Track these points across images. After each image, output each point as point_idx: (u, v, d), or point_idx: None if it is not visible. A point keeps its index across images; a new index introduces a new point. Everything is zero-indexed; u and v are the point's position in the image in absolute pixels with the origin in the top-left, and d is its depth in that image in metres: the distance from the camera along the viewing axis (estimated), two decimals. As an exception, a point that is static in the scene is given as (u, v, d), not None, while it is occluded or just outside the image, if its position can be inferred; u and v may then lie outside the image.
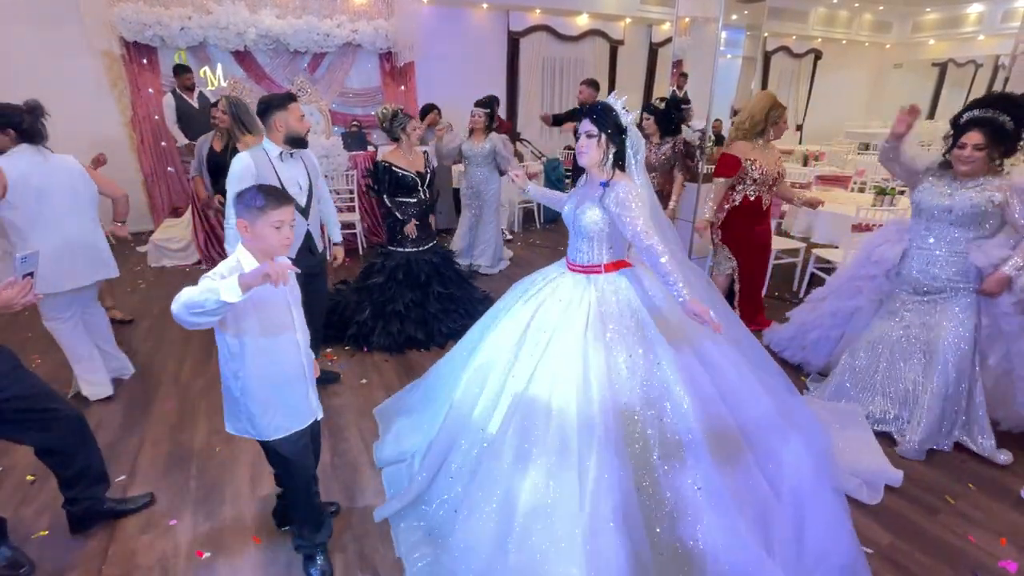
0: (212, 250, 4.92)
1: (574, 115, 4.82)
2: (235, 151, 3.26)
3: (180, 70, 5.11)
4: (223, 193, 3.78)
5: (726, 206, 3.36)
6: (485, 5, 7.04)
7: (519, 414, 1.73)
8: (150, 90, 5.50)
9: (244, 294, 1.29)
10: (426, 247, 3.51)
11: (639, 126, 3.92)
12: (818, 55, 10.23)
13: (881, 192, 4.05)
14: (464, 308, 3.57)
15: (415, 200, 3.36)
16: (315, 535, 1.77)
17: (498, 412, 1.80)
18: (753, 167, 3.19)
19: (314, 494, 1.77)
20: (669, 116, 3.79)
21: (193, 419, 2.64)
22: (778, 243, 4.07)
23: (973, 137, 2.16)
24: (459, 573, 1.63)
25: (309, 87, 5.69)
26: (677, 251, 1.92)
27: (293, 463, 1.65)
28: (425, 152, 3.59)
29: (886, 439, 2.42)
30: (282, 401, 1.59)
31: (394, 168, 3.26)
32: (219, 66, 5.68)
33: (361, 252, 5.29)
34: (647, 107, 3.85)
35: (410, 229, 3.36)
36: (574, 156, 4.56)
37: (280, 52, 5.94)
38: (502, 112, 5.53)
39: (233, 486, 2.19)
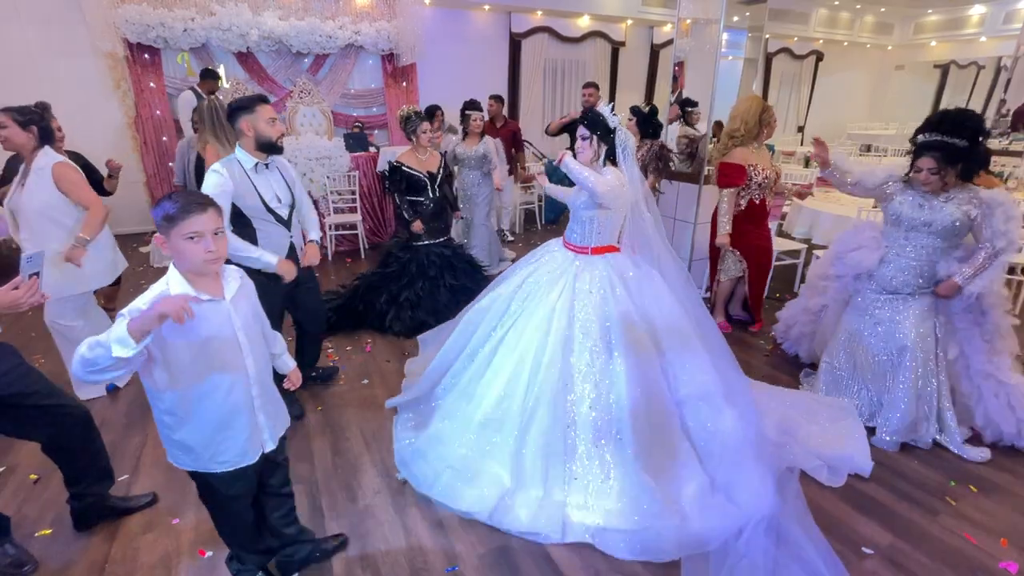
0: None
1: (570, 126, 4.87)
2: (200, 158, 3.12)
3: (207, 74, 5.16)
4: None
5: (732, 212, 3.39)
6: (487, 7, 7.06)
7: (500, 351, 2.24)
8: (151, 85, 5.51)
9: (140, 343, 1.13)
10: (440, 240, 3.69)
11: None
12: (820, 57, 10.23)
13: (883, 193, 4.05)
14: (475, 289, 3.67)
15: (423, 199, 3.53)
16: (244, 565, 1.67)
17: (485, 348, 2.31)
18: (755, 172, 3.24)
19: (242, 533, 1.61)
20: (648, 120, 3.86)
21: (195, 419, 2.65)
22: (779, 244, 4.07)
23: (926, 162, 2.28)
24: (428, 454, 2.23)
25: (311, 88, 5.71)
26: (658, 240, 2.30)
27: (222, 501, 1.51)
28: (443, 154, 3.76)
29: (908, 448, 2.43)
30: (226, 434, 1.40)
31: (403, 167, 3.47)
32: (221, 67, 5.70)
33: (363, 254, 5.30)
34: (633, 108, 3.90)
35: (417, 227, 3.51)
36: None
37: (282, 53, 5.96)
38: (505, 113, 5.53)
39: (235, 485, 2.20)
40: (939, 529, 1.98)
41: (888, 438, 2.41)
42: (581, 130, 2.18)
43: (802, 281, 4.26)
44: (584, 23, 7.80)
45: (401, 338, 3.49)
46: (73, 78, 5.29)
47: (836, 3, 9.21)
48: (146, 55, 5.41)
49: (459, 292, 3.64)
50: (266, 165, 2.30)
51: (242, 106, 2.18)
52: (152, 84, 5.51)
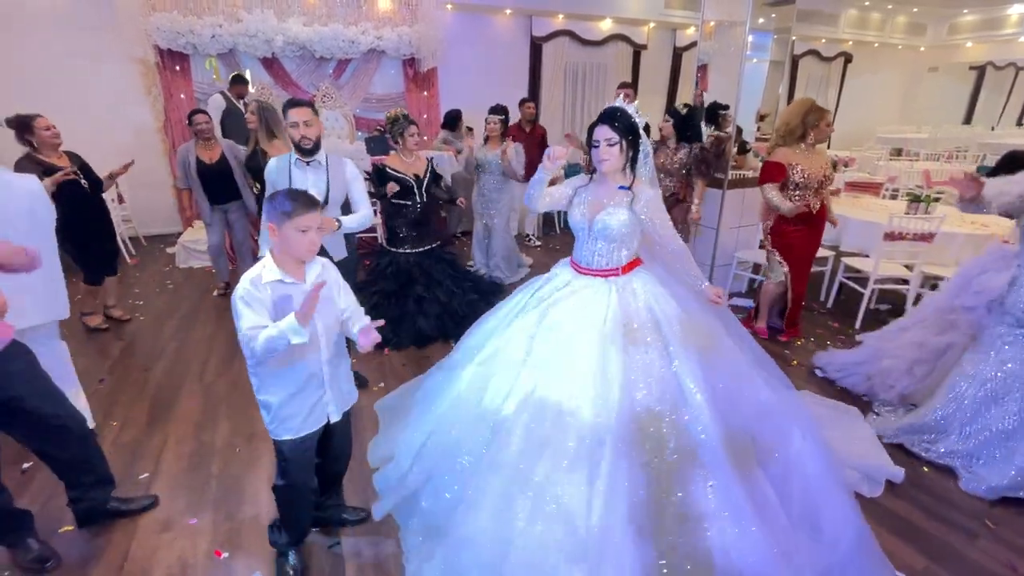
0: (237, 253, 5.04)
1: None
2: (262, 154, 3.39)
3: (238, 80, 5.29)
4: (213, 199, 3.90)
5: (775, 213, 3.34)
6: (508, 11, 7.06)
7: (528, 412, 1.72)
8: (182, 96, 5.66)
9: (307, 327, 1.40)
10: (423, 249, 3.62)
11: (659, 128, 3.90)
12: (848, 58, 9.97)
13: (915, 199, 3.90)
14: (450, 312, 3.59)
15: (409, 202, 3.47)
16: (287, 537, 1.82)
17: (507, 407, 1.77)
18: (794, 171, 3.16)
19: (303, 506, 1.78)
20: (686, 122, 3.78)
21: (215, 418, 2.68)
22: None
23: None
24: (461, 567, 1.62)
25: (334, 93, 5.79)
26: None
27: (290, 464, 1.67)
28: (430, 159, 3.69)
29: (944, 471, 2.29)
30: (295, 406, 1.61)
31: (387, 169, 3.40)
32: (248, 72, 5.82)
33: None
34: (670, 111, 3.81)
35: (390, 188, 3.35)
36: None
37: (306, 59, 6.05)
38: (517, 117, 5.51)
39: (252, 487, 2.21)
40: (978, 553, 1.88)
41: (988, 488, 2.13)
42: (606, 132, 1.82)
43: (830, 291, 4.15)
44: (606, 26, 7.75)
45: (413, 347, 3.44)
46: (106, 83, 5.45)
47: (866, 3, 8.97)
48: (176, 61, 5.55)
49: (430, 304, 3.55)
50: (307, 163, 2.44)
51: (292, 104, 2.40)
52: (182, 92, 5.65)
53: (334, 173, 2.51)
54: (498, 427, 1.75)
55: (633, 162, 1.89)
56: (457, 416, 1.91)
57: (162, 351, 3.40)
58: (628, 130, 1.83)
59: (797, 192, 3.20)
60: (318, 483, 1.85)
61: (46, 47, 5.20)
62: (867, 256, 3.99)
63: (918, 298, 3.93)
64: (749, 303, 4.14)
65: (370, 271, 3.68)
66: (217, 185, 3.87)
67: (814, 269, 4.19)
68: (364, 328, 1.65)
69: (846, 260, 4.00)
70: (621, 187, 1.89)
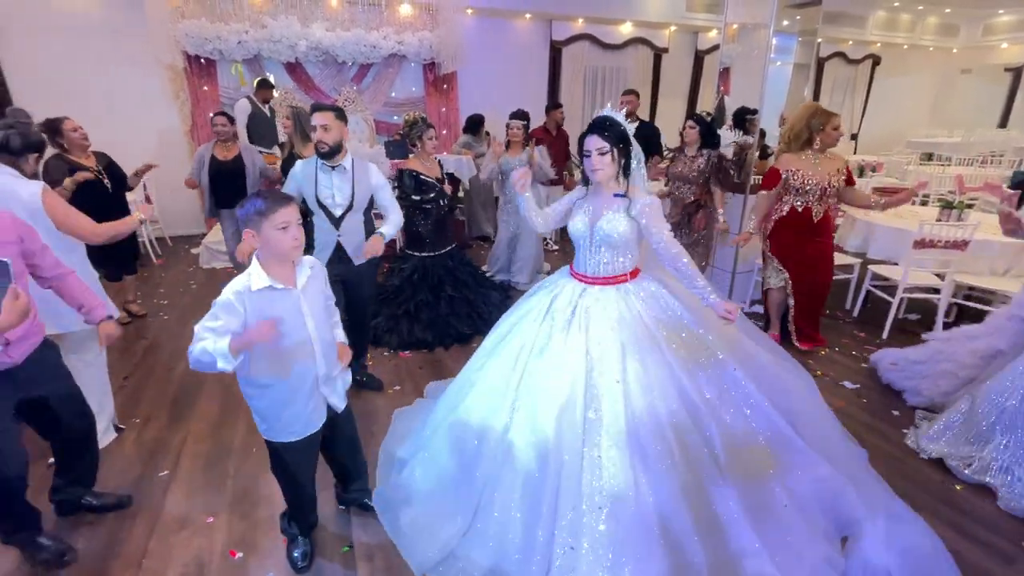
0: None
1: None
2: (296, 159, 3.45)
3: (263, 85, 5.40)
4: (222, 199, 3.88)
5: (773, 217, 3.32)
6: (528, 15, 7.08)
7: (567, 426, 1.72)
8: (209, 100, 5.79)
9: (237, 358, 1.39)
10: (444, 251, 3.65)
11: (680, 134, 3.84)
12: (876, 61, 9.72)
13: (947, 206, 3.77)
14: (477, 311, 3.63)
15: (433, 206, 3.52)
16: (296, 526, 1.87)
17: (544, 430, 1.74)
18: (794, 177, 3.12)
19: (307, 498, 1.83)
20: (712, 129, 3.73)
21: (234, 418, 2.71)
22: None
23: None
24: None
25: (355, 97, 5.86)
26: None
27: (284, 463, 1.70)
28: (439, 161, 3.75)
29: (983, 491, 2.19)
30: (293, 411, 1.61)
31: (414, 173, 3.46)
32: (271, 77, 5.93)
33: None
34: (695, 117, 3.75)
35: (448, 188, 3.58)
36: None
37: (329, 63, 6.15)
38: (541, 120, 5.50)
39: (267, 487, 2.22)
40: (1014, 578, 1.79)
41: None
42: (596, 141, 1.82)
43: (857, 299, 4.03)
44: (626, 30, 7.70)
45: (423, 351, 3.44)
46: (136, 88, 5.61)
47: (896, 4, 8.74)
48: (203, 66, 5.69)
49: (461, 304, 3.60)
50: (332, 167, 2.47)
51: (314, 108, 2.44)
52: (209, 97, 5.79)
53: (359, 177, 2.54)
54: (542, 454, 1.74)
55: (626, 169, 1.90)
56: (492, 457, 1.84)
57: (184, 350, 3.45)
58: (619, 138, 1.84)
59: (800, 199, 3.15)
60: (338, 477, 1.92)
61: (81, 53, 5.38)
62: (895, 264, 3.87)
63: (950, 308, 3.80)
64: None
65: (395, 276, 3.72)
66: (227, 185, 3.82)
67: (839, 277, 4.08)
68: (339, 344, 1.73)
69: (873, 268, 3.89)
70: (616, 195, 1.91)
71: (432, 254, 3.63)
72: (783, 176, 3.15)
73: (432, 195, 3.50)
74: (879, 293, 3.82)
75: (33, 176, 2.14)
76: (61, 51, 5.31)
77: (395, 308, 3.54)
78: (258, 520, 2.05)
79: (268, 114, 5.46)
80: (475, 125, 5.89)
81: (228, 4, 5.53)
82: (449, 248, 3.70)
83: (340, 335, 1.80)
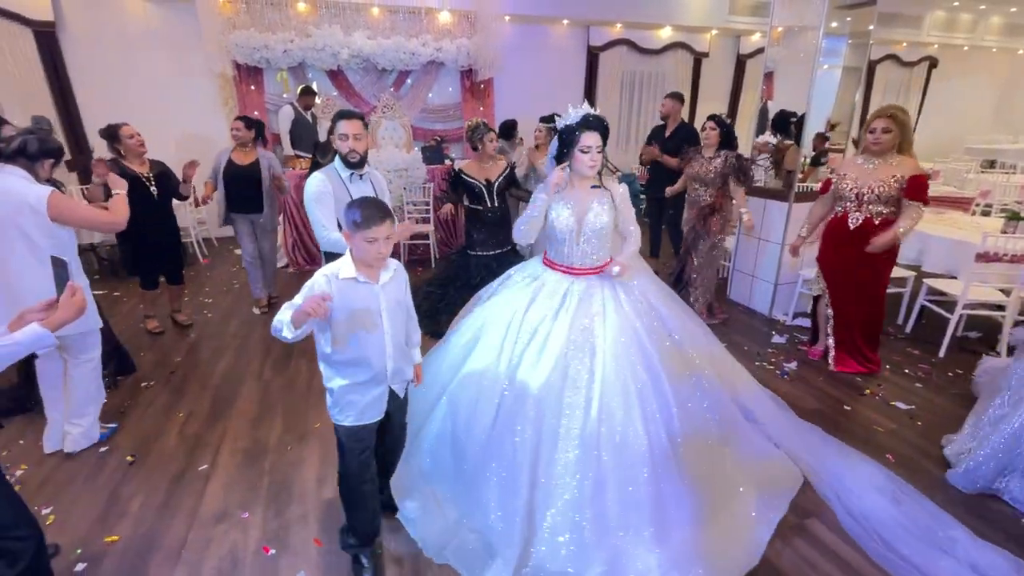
0: (298, 254, 5.29)
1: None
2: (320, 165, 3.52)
3: (306, 92, 5.59)
4: (237, 204, 3.86)
5: (812, 221, 3.25)
6: (566, 21, 7.06)
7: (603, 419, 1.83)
8: (255, 107, 6.03)
9: (297, 330, 1.51)
10: (495, 252, 3.72)
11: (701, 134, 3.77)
12: (933, 63, 9.25)
13: (1014, 217, 3.51)
14: None
15: (481, 207, 3.62)
16: (355, 536, 1.83)
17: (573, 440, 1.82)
18: (842, 181, 2.99)
19: (365, 493, 1.79)
20: (731, 132, 3.67)
21: (271, 417, 2.78)
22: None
23: None
24: None
25: (393, 103, 5.97)
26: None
27: (346, 451, 1.75)
28: (511, 164, 3.80)
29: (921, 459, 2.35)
30: (355, 396, 1.67)
31: (462, 175, 3.60)
32: (315, 84, 6.12)
33: (433, 263, 5.42)
34: (715, 117, 3.66)
35: (444, 210, 3.75)
36: (649, 170, 4.39)
37: (369, 70, 6.30)
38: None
39: (300, 486, 2.27)
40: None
41: None
42: (596, 139, 1.96)
43: (910, 315, 3.81)
44: (665, 34, 7.59)
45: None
46: (190, 97, 5.89)
47: (955, 4, 8.29)
48: (250, 74, 5.93)
49: None
50: (360, 176, 2.45)
51: (342, 116, 2.38)
52: (255, 104, 6.03)
53: (377, 185, 2.54)
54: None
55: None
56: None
57: (226, 348, 3.59)
58: (606, 134, 1.99)
59: (840, 204, 3.03)
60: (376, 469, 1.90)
61: (140, 64, 5.70)
62: (954, 278, 3.64)
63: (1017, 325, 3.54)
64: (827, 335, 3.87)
65: (450, 268, 3.87)
66: (241, 188, 3.81)
67: (891, 290, 3.87)
68: (416, 365, 1.86)
69: (929, 282, 3.67)
70: (594, 187, 2.06)
71: (487, 253, 3.71)
72: (833, 181, 3.04)
73: (480, 197, 3.59)
74: (935, 309, 3.60)
75: (47, 182, 2.22)
76: (122, 63, 5.64)
77: (454, 303, 3.62)
78: (291, 518, 2.09)
79: (310, 120, 5.63)
80: (508, 130, 5.91)
81: (276, 14, 5.75)
82: (502, 250, 3.75)
83: (417, 356, 1.86)
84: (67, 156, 5.62)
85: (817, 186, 4.11)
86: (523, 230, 2.11)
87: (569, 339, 1.91)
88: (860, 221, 2.95)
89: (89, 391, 2.48)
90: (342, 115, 2.37)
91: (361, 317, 1.60)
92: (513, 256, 3.80)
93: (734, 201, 3.63)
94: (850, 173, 2.97)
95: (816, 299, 3.38)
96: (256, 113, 5.98)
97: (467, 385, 2.01)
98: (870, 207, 2.91)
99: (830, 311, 3.23)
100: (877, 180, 2.87)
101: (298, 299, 1.52)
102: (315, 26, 5.82)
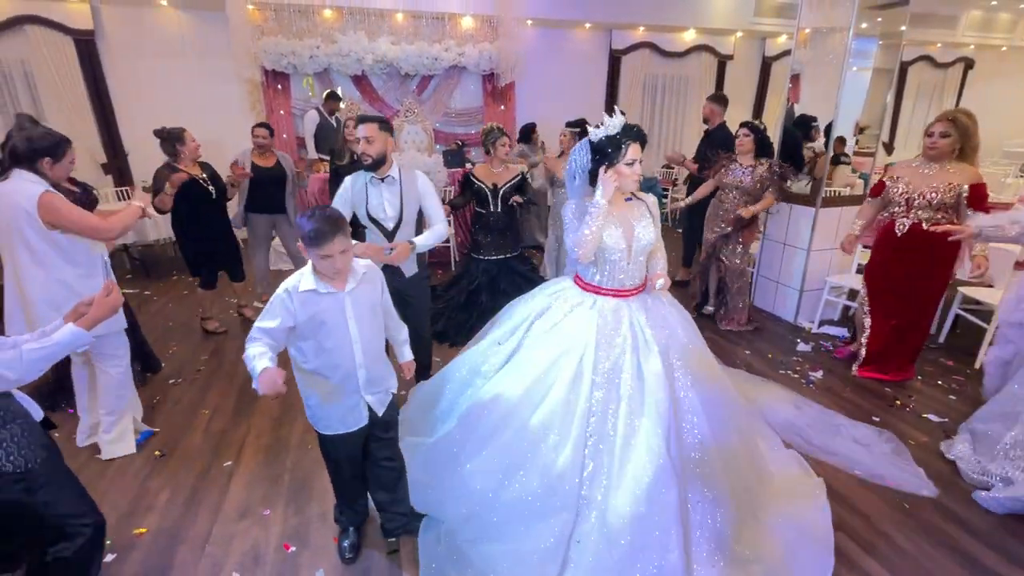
0: (294, 262, 5.38)
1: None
2: (341, 168, 3.63)
3: (331, 97, 5.72)
4: (258, 204, 3.95)
5: (863, 221, 3.13)
6: (588, 24, 7.05)
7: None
8: (281, 112, 6.17)
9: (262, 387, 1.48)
10: (505, 256, 3.72)
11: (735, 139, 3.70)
12: (969, 64, 8.94)
13: (1055, 223, 3.37)
14: None
15: (486, 211, 3.63)
16: (345, 516, 1.95)
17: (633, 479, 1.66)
18: (895, 186, 2.86)
19: (351, 488, 1.89)
20: (766, 138, 3.62)
21: (293, 415, 2.83)
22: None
23: None
24: None
25: (416, 108, 6.05)
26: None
27: (329, 458, 1.80)
28: (523, 171, 3.80)
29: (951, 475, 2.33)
30: (329, 408, 1.68)
31: (471, 177, 3.63)
32: (339, 89, 6.23)
33: (453, 266, 5.45)
34: (749, 124, 3.60)
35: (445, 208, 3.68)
36: (691, 179, 4.17)
37: (392, 75, 6.38)
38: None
39: (321, 484, 2.29)
40: None
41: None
42: (639, 151, 1.80)
43: (943, 323, 3.68)
44: (689, 37, 7.51)
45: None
46: (219, 102, 6.06)
47: (993, 3, 8.01)
48: (278, 80, 6.07)
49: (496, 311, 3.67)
50: (381, 179, 2.45)
51: (358, 120, 2.43)
52: (282, 108, 6.17)
53: (407, 188, 2.50)
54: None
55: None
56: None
57: (251, 347, 3.66)
58: (645, 143, 1.85)
59: (886, 209, 2.94)
60: (372, 488, 1.93)
61: (173, 71, 5.88)
62: (991, 287, 3.51)
63: None
64: (843, 332, 3.78)
65: (463, 279, 3.87)
66: (265, 191, 3.91)
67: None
68: (406, 363, 1.88)
69: (964, 290, 3.54)
70: (628, 199, 1.94)
71: (489, 258, 3.70)
72: (886, 185, 2.92)
73: (485, 200, 3.61)
74: (970, 318, 3.47)
75: (56, 180, 2.19)
76: (156, 69, 5.83)
77: (463, 308, 3.67)
78: (311, 516, 2.12)
79: (334, 124, 5.73)
80: (527, 134, 5.92)
81: (303, 21, 5.88)
82: (509, 255, 3.75)
83: (407, 353, 1.88)
84: (103, 159, 5.84)
85: (846, 190, 4.02)
86: (585, 249, 1.81)
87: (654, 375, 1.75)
88: (907, 227, 2.83)
89: (120, 397, 2.45)
90: (360, 119, 2.42)
91: (326, 332, 1.57)
92: (517, 262, 3.78)
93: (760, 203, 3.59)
94: (904, 176, 2.84)
95: (860, 305, 3.29)
96: (283, 113, 6.14)
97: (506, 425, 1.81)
98: (919, 212, 2.78)
99: (868, 320, 3.13)
100: (931, 186, 2.73)
101: (264, 322, 1.53)
102: (341, 32, 5.93)
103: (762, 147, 3.59)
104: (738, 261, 3.73)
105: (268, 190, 3.93)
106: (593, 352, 1.78)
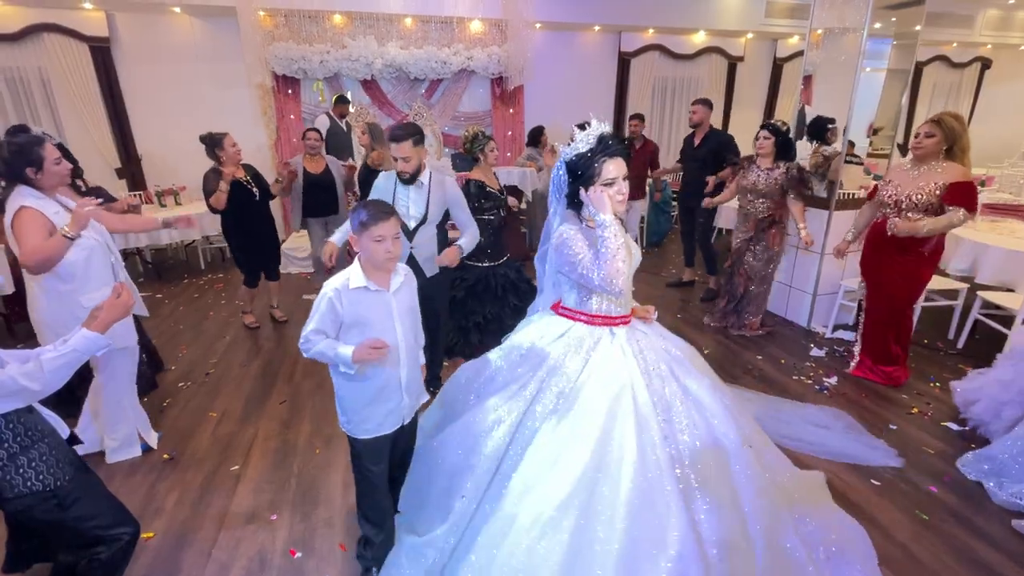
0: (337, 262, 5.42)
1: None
2: (370, 170, 3.86)
3: (340, 101, 5.78)
4: (312, 209, 4.10)
5: (860, 225, 3.20)
6: (597, 27, 7.03)
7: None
8: (292, 116, 6.22)
9: (356, 367, 1.53)
10: (500, 262, 3.68)
11: (754, 144, 3.63)
12: (986, 64, 8.79)
13: (1078, 226, 3.29)
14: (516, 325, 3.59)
15: (493, 217, 3.56)
16: (370, 550, 1.77)
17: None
18: (885, 188, 2.92)
19: (385, 509, 1.77)
20: (789, 140, 3.54)
21: (300, 418, 2.83)
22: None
23: None
24: None
25: (425, 111, 6.06)
26: None
27: (363, 467, 1.72)
28: (495, 174, 3.77)
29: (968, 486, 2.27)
30: (371, 411, 1.65)
31: (485, 188, 3.53)
32: (349, 93, 6.27)
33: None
34: (770, 126, 3.53)
35: (512, 202, 3.76)
36: (683, 179, 4.25)
37: (401, 80, 6.41)
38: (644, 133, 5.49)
39: (327, 489, 2.29)
40: None
41: None
42: (623, 167, 1.60)
43: (962, 329, 3.60)
44: (698, 39, 7.46)
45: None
46: (231, 106, 6.12)
47: (1011, 2, 7.87)
48: (288, 85, 6.12)
49: (523, 313, 3.62)
50: (404, 183, 2.56)
51: (392, 138, 2.46)
52: (292, 113, 6.21)
53: (435, 191, 2.61)
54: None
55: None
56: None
57: (260, 350, 3.68)
58: (629, 155, 1.62)
59: (879, 210, 2.97)
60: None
61: (185, 77, 5.95)
62: (1011, 291, 3.42)
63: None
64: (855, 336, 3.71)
65: (459, 288, 3.77)
66: (318, 196, 4.11)
67: (941, 303, 3.68)
68: (420, 366, 1.80)
69: (983, 294, 3.45)
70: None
71: (491, 264, 3.67)
72: (879, 186, 2.98)
73: (494, 206, 3.57)
74: (991, 323, 3.39)
75: (51, 186, 2.09)
76: (169, 75, 5.90)
77: (462, 319, 3.60)
78: (317, 522, 2.11)
79: (344, 128, 5.77)
80: (535, 137, 5.91)
81: (313, 27, 5.92)
82: (505, 259, 3.73)
83: (421, 357, 1.83)
84: (117, 163, 5.91)
85: (860, 192, 3.95)
86: (621, 277, 1.52)
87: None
88: (897, 227, 2.82)
89: (120, 408, 2.42)
90: (393, 138, 2.43)
91: (374, 327, 1.57)
92: (507, 268, 3.68)
93: (792, 213, 3.54)
94: (894, 179, 2.89)
95: (860, 305, 3.29)
96: (292, 118, 6.18)
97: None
98: (908, 214, 2.81)
99: (863, 316, 3.17)
100: (917, 187, 2.77)
101: (315, 324, 1.53)
102: (350, 37, 5.97)
103: (784, 150, 3.53)
104: (761, 265, 3.67)
105: (319, 195, 4.11)
106: (645, 391, 1.53)
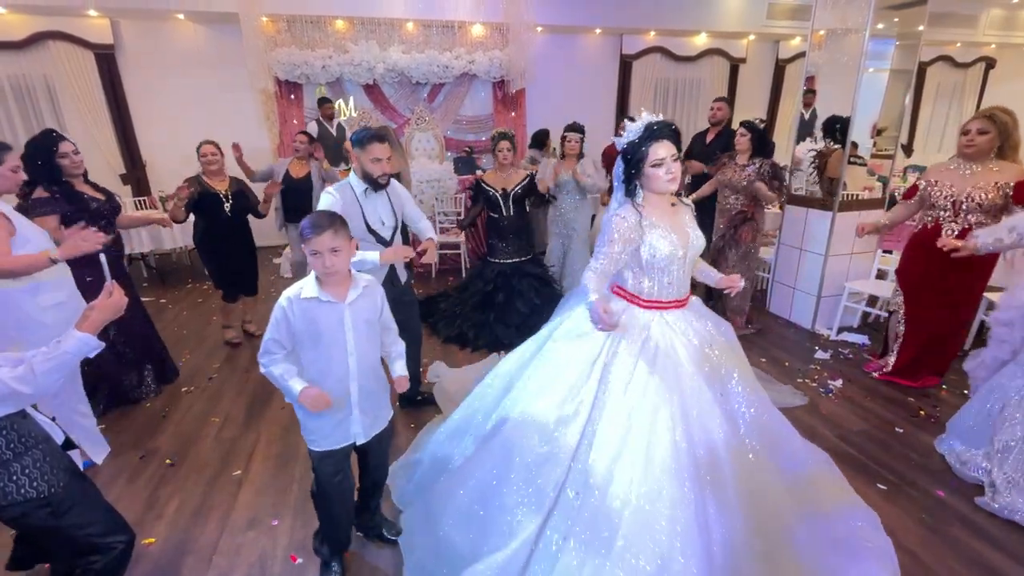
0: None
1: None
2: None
3: (322, 101, 5.79)
4: (290, 214, 4.07)
5: (890, 220, 3.05)
6: (598, 30, 7.04)
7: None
8: (294, 121, 6.24)
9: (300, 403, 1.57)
10: (519, 259, 3.75)
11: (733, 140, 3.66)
12: (990, 64, 8.75)
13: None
14: (539, 324, 3.59)
15: (498, 216, 3.67)
16: (327, 544, 1.86)
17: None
18: (932, 189, 2.75)
19: (336, 513, 1.79)
20: (765, 138, 3.57)
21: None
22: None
23: None
24: None
25: (427, 116, 6.07)
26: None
27: (317, 475, 1.73)
28: (531, 174, 3.80)
29: (975, 488, 2.26)
30: (317, 422, 1.65)
31: (481, 184, 3.68)
32: (351, 98, 6.29)
33: (464, 273, 5.44)
34: (746, 124, 3.57)
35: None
36: (693, 178, 4.11)
37: (404, 84, 6.43)
38: (605, 137, 5.41)
39: (329, 494, 2.28)
40: None
41: (1001, 506, 2.08)
42: (671, 147, 1.65)
43: (979, 333, 3.56)
44: (700, 41, 7.46)
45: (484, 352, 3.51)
46: (233, 112, 6.15)
47: (1014, 1, 7.83)
48: (290, 90, 6.15)
49: (538, 309, 3.65)
50: (375, 191, 2.38)
51: (358, 140, 2.27)
52: (294, 118, 6.24)
53: (394, 196, 2.46)
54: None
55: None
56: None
57: (262, 355, 3.68)
58: (678, 139, 1.68)
59: (929, 213, 2.81)
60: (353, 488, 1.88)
61: (189, 82, 6.00)
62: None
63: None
64: (863, 339, 3.68)
65: (477, 281, 3.93)
66: (295, 201, 4.03)
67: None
68: (399, 378, 1.79)
69: (989, 296, 3.41)
70: (672, 204, 1.78)
71: (504, 261, 3.75)
72: (920, 187, 2.83)
73: (494, 206, 3.63)
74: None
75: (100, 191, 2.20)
76: (172, 81, 5.95)
77: (480, 310, 3.70)
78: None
79: (333, 131, 5.71)
80: (540, 140, 5.91)
81: (316, 32, 5.96)
82: (524, 258, 3.78)
83: (400, 368, 1.81)
84: (122, 169, 5.94)
85: (864, 193, 3.93)
86: (601, 316, 1.52)
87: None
88: (957, 232, 2.68)
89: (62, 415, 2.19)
90: (376, 137, 2.25)
91: (324, 342, 1.56)
92: (531, 265, 3.79)
93: (767, 208, 3.54)
94: (943, 180, 2.72)
95: (890, 313, 3.20)
96: (295, 123, 6.21)
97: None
98: (969, 217, 2.64)
99: (901, 327, 3.03)
100: (977, 187, 2.60)
101: (274, 333, 1.55)
102: (352, 42, 6.00)
103: (760, 146, 3.54)
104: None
105: (296, 200, 4.07)
106: (691, 377, 1.66)
